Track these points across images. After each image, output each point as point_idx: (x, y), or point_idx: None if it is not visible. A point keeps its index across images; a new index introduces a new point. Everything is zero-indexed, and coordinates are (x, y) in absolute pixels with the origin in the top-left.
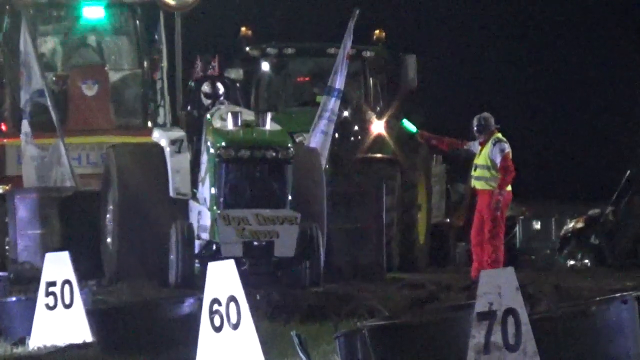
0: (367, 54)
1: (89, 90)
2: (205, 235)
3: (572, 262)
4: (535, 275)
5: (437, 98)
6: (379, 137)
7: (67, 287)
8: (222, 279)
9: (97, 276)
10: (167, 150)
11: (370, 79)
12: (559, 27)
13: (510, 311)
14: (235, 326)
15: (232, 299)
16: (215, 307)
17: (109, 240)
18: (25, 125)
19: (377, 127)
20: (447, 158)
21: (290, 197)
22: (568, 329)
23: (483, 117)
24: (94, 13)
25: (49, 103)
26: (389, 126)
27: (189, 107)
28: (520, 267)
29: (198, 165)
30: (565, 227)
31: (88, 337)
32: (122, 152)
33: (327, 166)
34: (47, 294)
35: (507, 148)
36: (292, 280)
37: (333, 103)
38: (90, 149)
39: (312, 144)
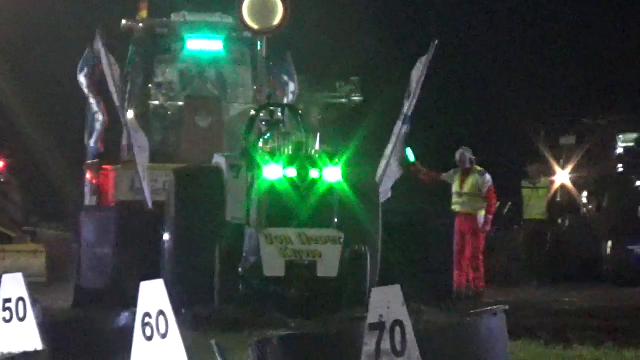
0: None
1: (203, 122)
2: (253, 258)
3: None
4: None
5: None
6: None
7: (21, 303)
8: (153, 295)
9: None
10: (226, 175)
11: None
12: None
13: (397, 322)
14: (164, 336)
15: (161, 312)
16: (147, 319)
17: (166, 260)
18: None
19: None
20: None
21: (336, 219)
22: (447, 338)
23: (466, 149)
24: (212, 46)
25: (125, 127)
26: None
27: (250, 134)
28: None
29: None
30: None
31: (39, 346)
32: (183, 176)
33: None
34: (4, 309)
35: (490, 177)
36: (335, 302)
37: (400, 128)
38: None
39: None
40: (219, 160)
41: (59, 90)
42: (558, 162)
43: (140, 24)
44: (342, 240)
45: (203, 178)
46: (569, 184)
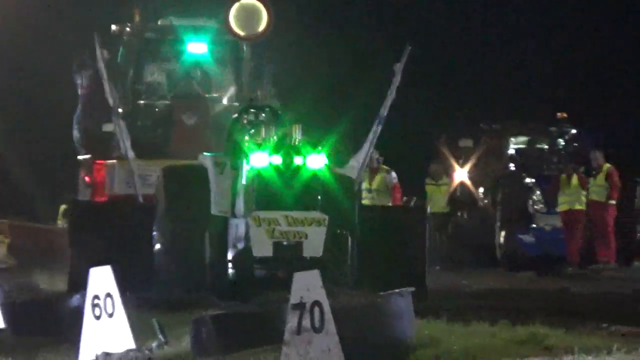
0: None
1: (189, 120)
2: (241, 244)
3: None
4: None
5: None
6: None
7: None
8: (102, 280)
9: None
10: (211, 172)
11: None
12: None
13: (316, 303)
14: (111, 315)
15: (109, 295)
16: (96, 301)
17: (155, 250)
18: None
19: None
20: None
21: (320, 202)
22: (361, 316)
23: (373, 150)
24: (197, 48)
25: (117, 125)
26: None
27: (234, 133)
28: None
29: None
30: None
31: (1, 324)
32: (171, 172)
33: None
34: None
35: (395, 175)
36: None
37: (374, 127)
38: None
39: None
40: (204, 159)
41: (35, 87)
42: (457, 162)
43: (129, 29)
44: (326, 222)
45: (189, 175)
46: (467, 181)
